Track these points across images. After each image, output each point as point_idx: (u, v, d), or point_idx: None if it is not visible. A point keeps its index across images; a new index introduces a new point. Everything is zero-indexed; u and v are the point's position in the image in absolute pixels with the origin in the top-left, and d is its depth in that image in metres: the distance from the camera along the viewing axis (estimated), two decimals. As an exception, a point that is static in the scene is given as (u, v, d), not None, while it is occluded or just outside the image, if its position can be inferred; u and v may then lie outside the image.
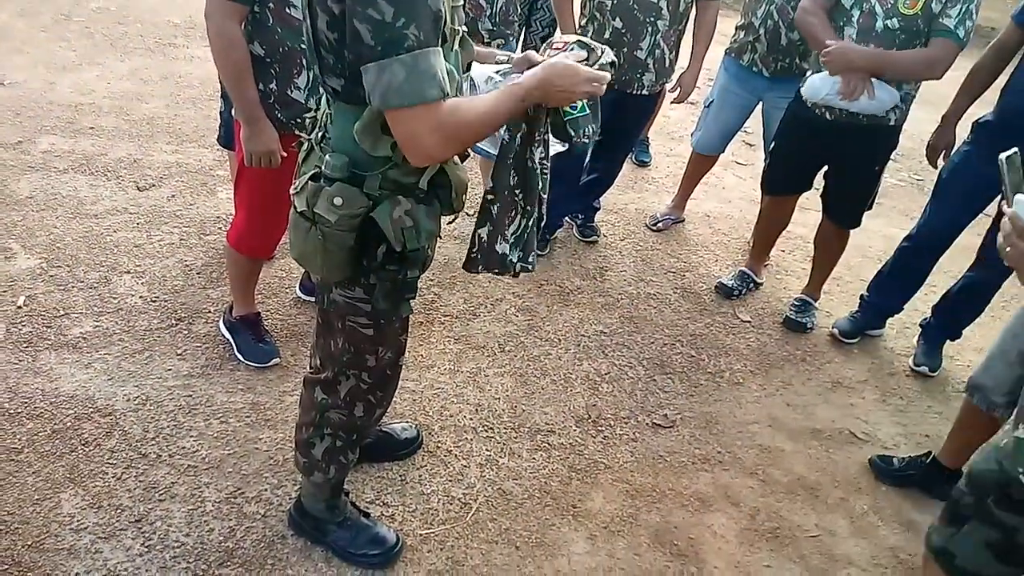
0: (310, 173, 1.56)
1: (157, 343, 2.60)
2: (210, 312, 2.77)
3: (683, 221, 3.97)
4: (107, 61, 4.51)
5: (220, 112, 2.87)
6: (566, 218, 3.65)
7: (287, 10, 2.08)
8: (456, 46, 1.50)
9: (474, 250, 1.67)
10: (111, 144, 3.70)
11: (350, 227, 1.51)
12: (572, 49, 1.60)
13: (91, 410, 2.31)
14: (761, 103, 3.48)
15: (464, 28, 1.54)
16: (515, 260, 1.68)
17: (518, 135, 1.58)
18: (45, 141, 3.62)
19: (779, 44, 3.24)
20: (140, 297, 2.80)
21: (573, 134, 1.62)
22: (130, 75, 4.40)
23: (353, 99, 1.41)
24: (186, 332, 2.67)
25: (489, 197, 1.62)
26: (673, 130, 4.99)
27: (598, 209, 3.71)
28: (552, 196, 3.35)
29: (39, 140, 3.62)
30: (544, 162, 1.63)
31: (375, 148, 1.44)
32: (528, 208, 1.65)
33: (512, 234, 1.65)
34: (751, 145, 4.93)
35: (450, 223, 1.70)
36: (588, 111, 1.63)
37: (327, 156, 1.52)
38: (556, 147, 1.71)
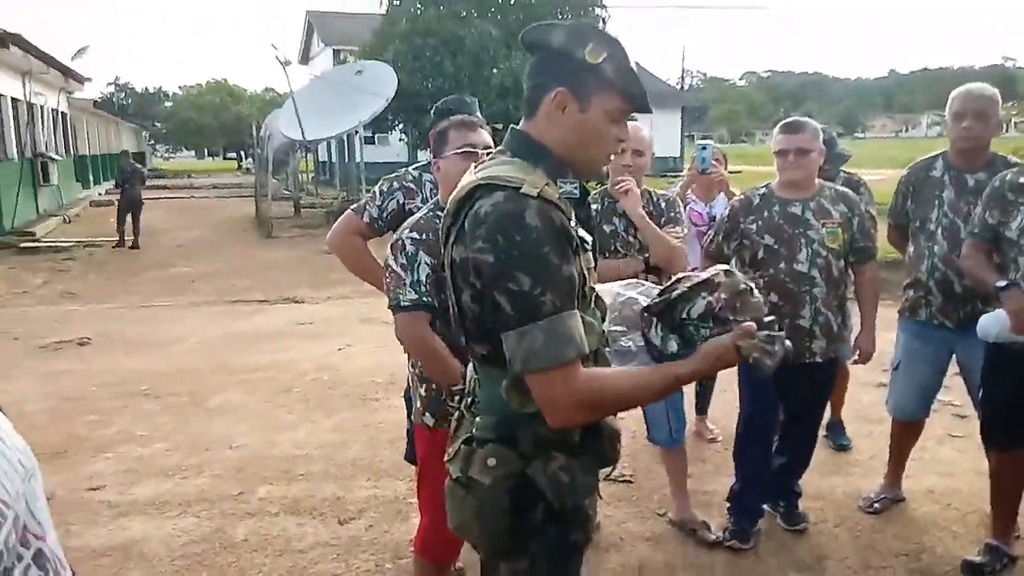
0: (462, 438, 1.60)
1: (350, 669, 2.52)
2: (402, 634, 2.69)
3: (903, 500, 3.56)
4: (318, 419, 5.03)
5: (407, 431, 3.06)
6: (766, 506, 3.38)
7: None
8: (593, 303, 1.59)
9: None
10: (318, 487, 3.97)
11: (505, 488, 1.50)
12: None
13: None
14: (954, 356, 3.27)
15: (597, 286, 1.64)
16: None
17: None
18: (262, 490, 3.95)
19: (954, 292, 3.13)
20: (336, 624, 2.79)
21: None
22: (336, 428, 4.85)
23: (500, 362, 1.46)
24: (379, 656, 2.58)
25: None
26: (868, 413, 4.68)
27: (799, 494, 3.41)
28: (745, 483, 3.24)
29: (257, 490, 3.96)
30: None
31: (524, 405, 1.46)
32: None
33: None
34: (964, 417, 4.50)
35: (608, 476, 1.66)
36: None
37: (477, 419, 1.57)
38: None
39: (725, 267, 1.58)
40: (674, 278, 1.63)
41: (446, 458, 1.65)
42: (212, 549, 3.38)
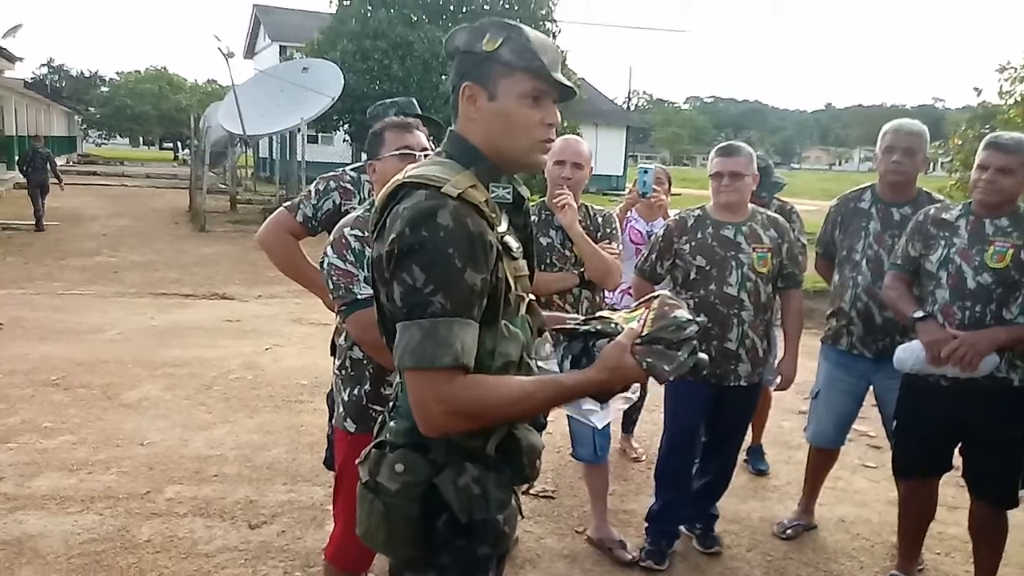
0: (375, 441, 1.56)
1: None
2: (307, 644, 2.60)
3: (815, 527, 3.62)
4: (238, 419, 4.87)
5: (328, 435, 2.98)
6: (683, 528, 3.39)
7: None
8: (523, 311, 1.56)
9: None
10: (231, 488, 3.84)
11: (413, 496, 1.45)
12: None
13: None
14: (872, 387, 3.35)
15: (531, 296, 1.61)
16: None
17: None
18: (171, 489, 3.80)
19: (875, 324, 3.20)
20: (238, 632, 2.68)
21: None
22: (257, 429, 4.71)
23: None
24: (281, 667, 2.49)
25: None
26: (788, 438, 4.78)
27: (716, 517, 3.45)
28: (664, 504, 3.25)
29: (166, 489, 3.80)
30: None
31: None
32: None
33: None
34: (878, 448, 4.62)
35: (525, 492, 1.62)
36: None
37: (391, 423, 1.53)
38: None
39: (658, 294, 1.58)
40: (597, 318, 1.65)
41: (357, 460, 1.60)
42: (112, 549, 3.23)
